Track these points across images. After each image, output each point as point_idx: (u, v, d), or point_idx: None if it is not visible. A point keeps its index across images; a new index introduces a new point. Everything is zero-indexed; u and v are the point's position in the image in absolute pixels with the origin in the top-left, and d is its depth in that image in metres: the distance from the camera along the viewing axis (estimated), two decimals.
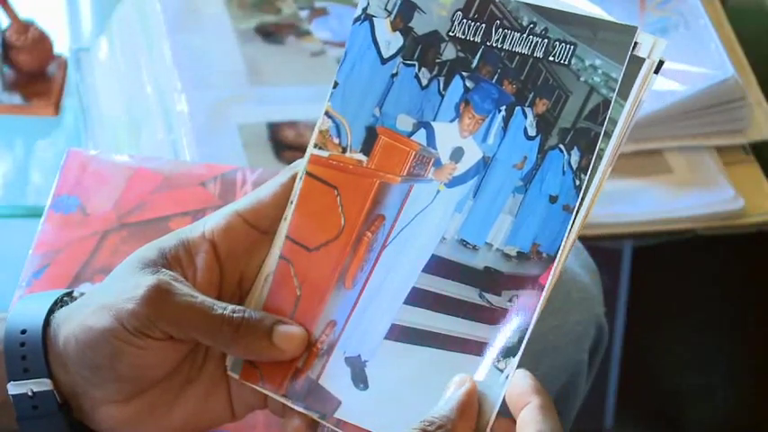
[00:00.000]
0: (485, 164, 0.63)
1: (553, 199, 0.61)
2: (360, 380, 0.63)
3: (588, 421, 1.26)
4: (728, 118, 1.15)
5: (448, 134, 0.64)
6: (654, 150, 1.15)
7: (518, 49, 0.62)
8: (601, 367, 1.02)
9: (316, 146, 0.66)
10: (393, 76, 0.65)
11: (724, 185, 1.12)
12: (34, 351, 0.64)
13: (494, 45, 0.63)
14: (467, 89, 0.64)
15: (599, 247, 1.07)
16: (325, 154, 0.66)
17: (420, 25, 0.65)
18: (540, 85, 0.62)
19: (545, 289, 0.60)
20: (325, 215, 0.65)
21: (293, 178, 0.66)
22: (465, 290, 0.62)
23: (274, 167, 1.03)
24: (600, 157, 0.60)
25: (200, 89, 1.11)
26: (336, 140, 0.66)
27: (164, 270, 0.64)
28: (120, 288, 0.63)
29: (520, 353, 0.60)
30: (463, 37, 0.64)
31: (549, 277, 0.60)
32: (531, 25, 0.62)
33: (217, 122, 1.09)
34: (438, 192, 0.64)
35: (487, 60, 0.63)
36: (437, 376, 0.62)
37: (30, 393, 0.64)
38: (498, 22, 0.63)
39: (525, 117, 0.62)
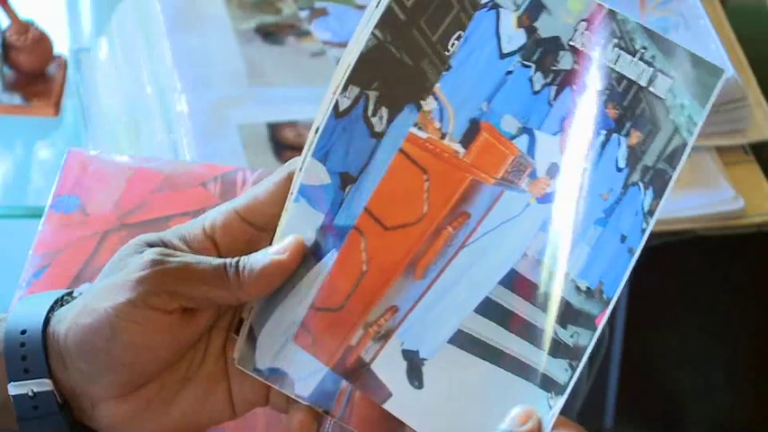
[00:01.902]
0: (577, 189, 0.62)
1: (623, 239, 0.60)
2: (415, 377, 0.63)
3: (588, 421, 1.26)
4: (728, 118, 1.15)
5: (548, 147, 0.62)
6: None
7: (627, 73, 0.61)
8: (601, 367, 1.02)
9: (416, 125, 0.64)
10: (508, 73, 0.64)
11: (724, 186, 1.12)
12: (34, 351, 0.64)
13: (608, 64, 0.61)
14: (575, 104, 0.62)
15: None
16: (423, 135, 0.64)
17: (545, 27, 0.63)
18: (638, 116, 0.60)
19: (597, 331, 0.59)
20: (410, 197, 0.64)
21: (289, 177, 0.67)
22: (536, 314, 0.61)
23: (274, 168, 1.03)
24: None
25: (200, 89, 1.11)
26: (438, 125, 0.64)
27: (161, 249, 0.64)
28: (121, 268, 0.64)
29: (567, 393, 0.60)
30: (582, 49, 0.62)
31: (603, 320, 0.59)
32: (643, 50, 0.61)
33: (217, 123, 1.09)
34: (528, 204, 0.62)
35: (600, 79, 0.62)
36: (495, 395, 0.61)
37: (30, 394, 0.64)
38: (616, 40, 0.61)
39: (619, 147, 0.61)
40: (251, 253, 0.66)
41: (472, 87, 0.64)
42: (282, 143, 1.10)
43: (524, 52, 0.64)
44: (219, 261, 0.64)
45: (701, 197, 1.12)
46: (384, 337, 0.63)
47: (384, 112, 0.66)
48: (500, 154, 0.63)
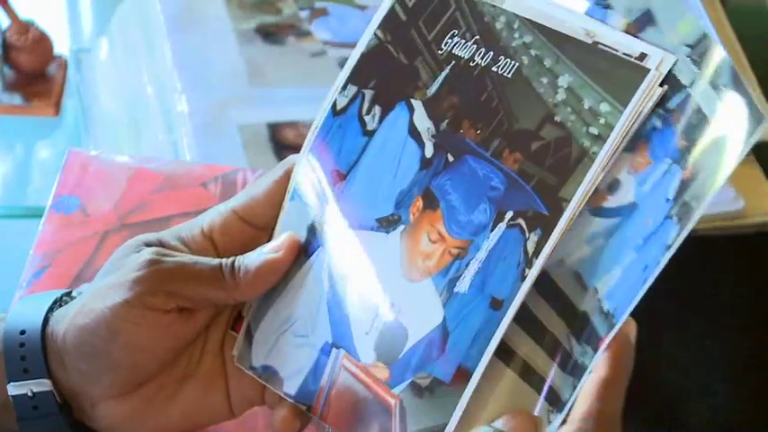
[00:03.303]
0: (631, 210, 0.59)
1: (645, 269, 0.58)
2: None
3: None
4: None
5: (618, 162, 0.60)
6: None
7: (704, 106, 0.58)
8: None
9: None
10: None
11: (724, 186, 1.12)
12: (34, 351, 0.64)
13: (691, 93, 0.59)
14: (654, 128, 0.60)
15: None
16: None
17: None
18: (697, 152, 0.58)
19: (598, 354, 0.58)
20: None
21: (286, 175, 0.67)
22: (557, 324, 0.60)
23: None
24: (592, 161, 0.59)
25: (200, 89, 1.11)
26: None
27: (158, 249, 0.64)
28: (118, 267, 0.64)
29: (565, 412, 0.59)
30: (676, 74, 0.59)
31: (603, 345, 0.58)
32: (724, 86, 0.58)
33: (217, 123, 1.09)
34: (581, 214, 0.60)
35: (683, 108, 0.59)
36: (496, 393, 0.60)
37: (30, 394, 0.64)
38: (709, 70, 0.58)
39: (674, 178, 0.58)
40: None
41: None
42: (282, 143, 1.09)
43: None
44: (216, 261, 0.64)
45: None
46: None
47: (377, 110, 0.66)
48: None
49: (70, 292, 0.67)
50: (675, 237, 0.57)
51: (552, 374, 0.60)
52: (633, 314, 0.59)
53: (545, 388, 0.60)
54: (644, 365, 1.36)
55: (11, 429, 0.65)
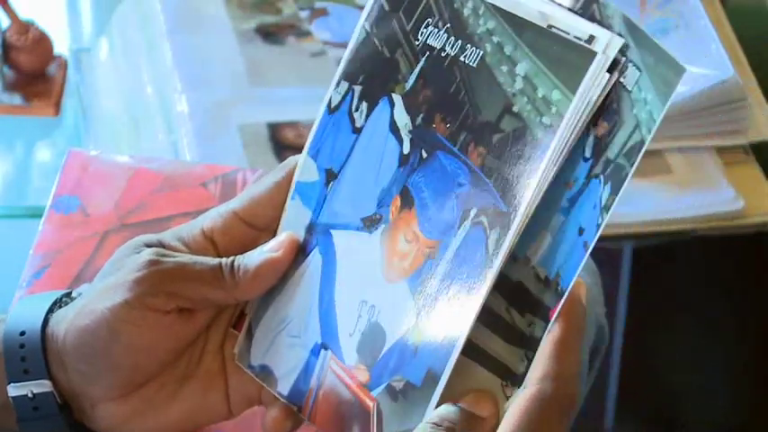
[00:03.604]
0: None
1: (581, 231, 0.57)
2: None
3: (588, 421, 1.26)
4: (729, 118, 1.15)
5: None
6: (653, 151, 1.15)
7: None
8: (601, 367, 1.02)
9: None
10: None
11: (724, 186, 1.12)
12: (34, 352, 0.64)
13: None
14: None
15: (599, 247, 1.06)
16: None
17: None
18: (607, 106, 0.57)
19: (550, 324, 0.58)
20: None
21: (288, 176, 0.67)
22: (493, 298, 0.59)
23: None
24: (544, 153, 0.58)
25: (200, 90, 1.12)
26: None
27: (158, 249, 0.64)
28: (118, 268, 0.64)
29: (523, 385, 0.58)
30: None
31: (556, 314, 0.57)
32: (620, 36, 0.57)
33: (217, 123, 1.09)
34: None
35: None
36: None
37: (30, 395, 0.64)
38: (599, 22, 0.57)
39: (588, 135, 0.57)
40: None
41: None
42: (282, 143, 1.10)
43: None
44: (215, 261, 0.64)
45: (701, 197, 1.12)
46: None
47: (364, 106, 0.65)
48: None
49: (70, 293, 0.67)
50: (609, 197, 0.56)
51: (498, 349, 0.59)
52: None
53: (494, 363, 0.59)
54: (644, 366, 1.36)
55: (11, 430, 0.65)
